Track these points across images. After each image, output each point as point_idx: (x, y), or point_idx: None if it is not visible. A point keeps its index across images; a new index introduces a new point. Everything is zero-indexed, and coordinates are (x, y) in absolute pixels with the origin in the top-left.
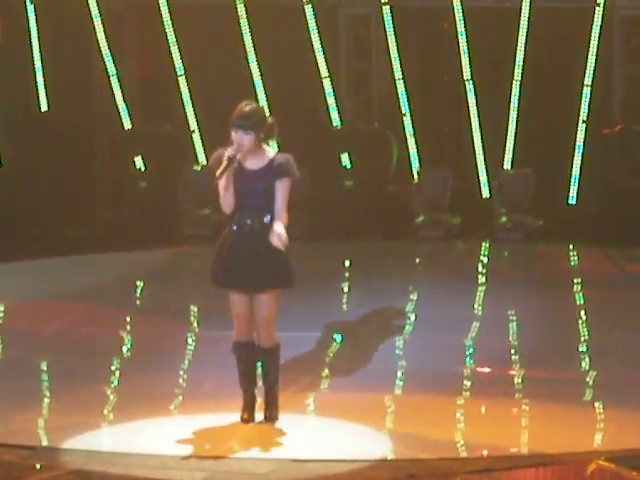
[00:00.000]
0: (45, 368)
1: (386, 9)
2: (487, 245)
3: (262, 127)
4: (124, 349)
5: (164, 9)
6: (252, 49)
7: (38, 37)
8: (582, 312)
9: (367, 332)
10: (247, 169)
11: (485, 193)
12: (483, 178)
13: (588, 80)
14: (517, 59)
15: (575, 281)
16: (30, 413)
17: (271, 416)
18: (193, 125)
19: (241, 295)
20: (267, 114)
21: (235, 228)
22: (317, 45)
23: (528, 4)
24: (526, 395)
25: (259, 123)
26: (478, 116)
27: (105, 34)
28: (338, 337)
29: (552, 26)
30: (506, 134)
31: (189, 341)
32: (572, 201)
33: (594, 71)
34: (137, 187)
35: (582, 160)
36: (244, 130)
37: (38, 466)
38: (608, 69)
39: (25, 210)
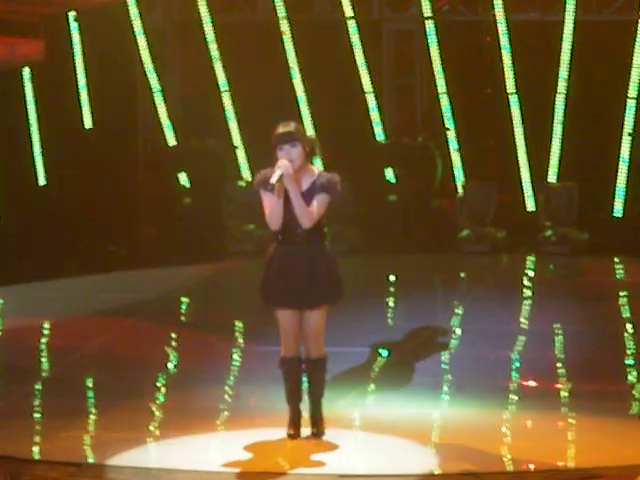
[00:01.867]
0: (90, 384)
1: (429, 23)
2: (532, 259)
3: (306, 141)
4: (169, 365)
5: (207, 25)
6: (295, 64)
7: (82, 54)
8: (629, 325)
9: (413, 346)
10: (280, 164)
11: (530, 206)
12: (528, 191)
13: (633, 92)
14: (561, 72)
15: (621, 294)
16: (75, 430)
17: (317, 431)
18: (237, 141)
19: (291, 310)
20: (306, 131)
21: (285, 247)
22: (360, 60)
23: (572, 17)
24: (572, 409)
25: (303, 136)
26: (523, 129)
27: (149, 50)
28: (384, 352)
29: (596, 39)
30: (551, 147)
31: (234, 356)
32: (618, 214)
33: (639, 83)
34: (181, 203)
35: (627, 172)
36: (291, 143)
37: None
38: None
39: (70, 227)
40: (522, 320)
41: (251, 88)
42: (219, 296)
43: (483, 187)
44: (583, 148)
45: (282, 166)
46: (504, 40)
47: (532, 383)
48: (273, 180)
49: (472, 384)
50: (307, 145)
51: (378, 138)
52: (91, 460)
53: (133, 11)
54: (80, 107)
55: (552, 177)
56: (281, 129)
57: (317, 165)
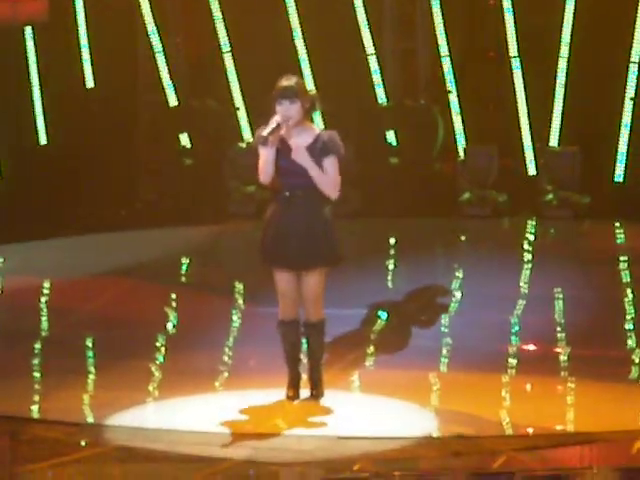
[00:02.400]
0: (90, 345)
1: None
2: (533, 223)
3: (306, 97)
4: (169, 325)
5: None
6: (298, 26)
7: (84, 14)
8: (628, 290)
9: (412, 309)
10: (292, 147)
11: (531, 170)
12: (529, 155)
13: (635, 57)
14: (563, 36)
15: (621, 259)
16: (75, 390)
17: (317, 393)
18: (238, 102)
19: (288, 273)
20: (307, 87)
21: (282, 205)
22: (362, 22)
23: None
24: (572, 373)
25: (302, 92)
26: (524, 93)
27: (151, 10)
28: (383, 314)
29: (599, 3)
30: (552, 111)
31: (234, 317)
32: (619, 178)
33: None
34: (182, 164)
35: (629, 137)
36: (290, 99)
37: (83, 443)
38: None
39: (70, 187)
40: (522, 284)
41: (253, 49)
42: (219, 257)
43: (484, 150)
44: (585, 112)
45: (276, 119)
46: (507, 3)
47: (532, 347)
48: (265, 132)
49: (471, 347)
50: (307, 102)
51: (380, 101)
52: (90, 420)
53: None
54: (82, 67)
55: (554, 141)
56: (282, 83)
57: (317, 120)
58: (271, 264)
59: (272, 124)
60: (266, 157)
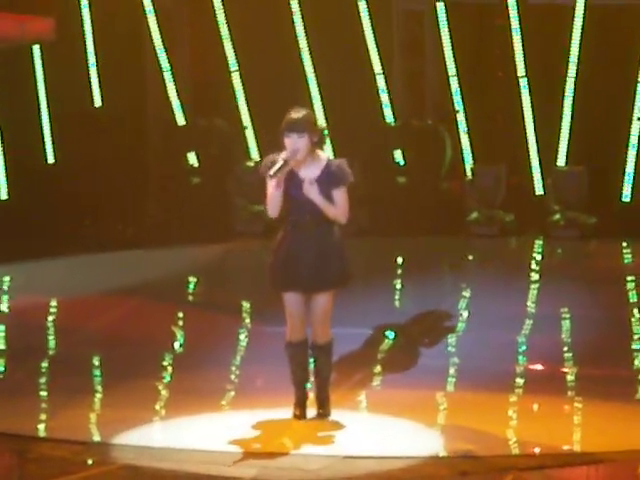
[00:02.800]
0: (97, 363)
1: (440, 5)
2: (540, 242)
3: (314, 131)
4: (176, 344)
5: (217, 5)
6: (305, 45)
7: (92, 33)
8: (635, 310)
9: (419, 329)
10: (302, 178)
11: (539, 190)
12: (537, 175)
13: None
14: (571, 56)
15: (629, 278)
16: (82, 408)
17: (323, 412)
18: (246, 121)
19: (297, 295)
20: (318, 121)
21: (292, 229)
22: (370, 41)
23: (583, 0)
24: (579, 393)
25: (311, 126)
26: (532, 113)
27: (159, 29)
28: (391, 334)
29: (606, 22)
30: (560, 131)
31: (241, 337)
32: (626, 198)
33: None
34: (190, 183)
35: (636, 157)
36: (298, 133)
37: (90, 461)
38: None
39: (78, 205)
40: (529, 304)
41: (261, 68)
42: (226, 276)
43: (492, 170)
44: (592, 132)
45: (282, 157)
46: (515, 23)
47: (539, 367)
48: (272, 172)
49: (479, 367)
50: (315, 135)
51: (388, 120)
52: (97, 438)
53: None
54: (90, 86)
55: (561, 161)
56: (291, 116)
57: (327, 151)
58: (282, 288)
59: (279, 162)
60: (271, 196)
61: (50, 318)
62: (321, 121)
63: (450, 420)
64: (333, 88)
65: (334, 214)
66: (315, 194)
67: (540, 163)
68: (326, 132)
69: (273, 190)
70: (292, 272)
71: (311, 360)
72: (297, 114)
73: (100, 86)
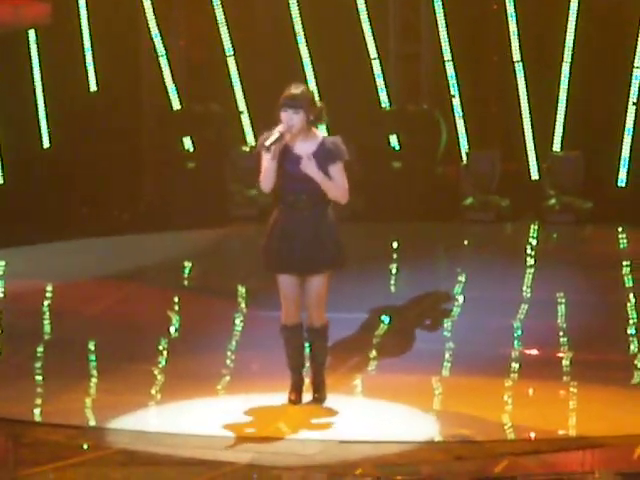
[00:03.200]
0: (92, 348)
1: None
2: (536, 227)
3: (311, 108)
4: (171, 329)
5: None
6: (301, 30)
7: (87, 18)
8: (631, 295)
9: (415, 313)
10: (297, 154)
11: (534, 175)
12: (532, 160)
13: (638, 62)
14: (567, 40)
15: (624, 264)
16: (77, 393)
17: (319, 397)
18: (241, 106)
19: (292, 277)
20: (316, 98)
21: (287, 210)
22: (366, 26)
23: None
24: (574, 378)
25: (308, 104)
26: (527, 97)
27: (154, 14)
28: (386, 319)
29: (602, 7)
30: (555, 116)
31: (237, 321)
32: (622, 183)
33: None
34: (185, 168)
35: (632, 142)
36: (294, 109)
37: (85, 446)
38: None
39: (73, 190)
40: (525, 288)
41: (256, 53)
42: (222, 261)
43: (487, 155)
44: (588, 117)
45: (278, 129)
46: (510, 7)
47: (534, 351)
48: (267, 143)
49: (474, 352)
50: (312, 112)
51: (383, 105)
52: (92, 423)
53: None
54: (85, 70)
55: (557, 146)
56: (289, 91)
57: (321, 130)
58: (276, 269)
59: (275, 134)
60: (268, 166)
61: (46, 303)
62: (320, 100)
63: (445, 405)
64: (329, 72)
65: (335, 192)
66: (313, 169)
67: (535, 148)
68: (324, 111)
69: (268, 163)
70: (286, 253)
71: (307, 344)
72: (295, 90)
73: (95, 71)
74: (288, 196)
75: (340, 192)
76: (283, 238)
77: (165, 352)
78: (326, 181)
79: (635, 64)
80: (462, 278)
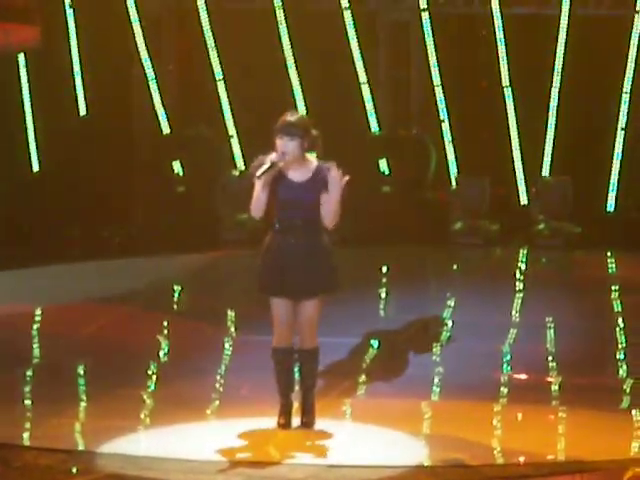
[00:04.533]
0: (82, 372)
1: (425, 15)
2: (525, 252)
3: (307, 136)
4: (161, 353)
5: (203, 14)
6: (291, 54)
7: (77, 41)
8: (620, 319)
9: (404, 338)
10: (292, 181)
11: (523, 200)
12: (521, 185)
13: (627, 87)
14: (556, 66)
15: (613, 288)
16: (67, 417)
17: (308, 421)
18: (231, 130)
19: (285, 300)
20: (312, 127)
21: (281, 235)
22: (356, 51)
23: (567, 12)
24: (563, 402)
25: (304, 132)
26: (517, 123)
27: (144, 38)
28: (375, 343)
29: (591, 33)
30: (544, 141)
31: (226, 345)
32: (610, 208)
33: (633, 78)
34: (175, 191)
35: (620, 167)
36: (290, 136)
37: (75, 470)
38: None
39: (63, 213)
40: (514, 313)
41: (246, 77)
42: (212, 285)
43: (477, 180)
44: (577, 142)
45: (271, 159)
46: (500, 33)
47: (523, 376)
48: (259, 173)
49: (463, 376)
50: (307, 140)
51: (373, 129)
52: (81, 447)
53: None
54: (75, 94)
55: (546, 171)
56: (286, 118)
57: (313, 156)
58: (270, 293)
59: (266, 164)
60: (257, 196)
61: (36, 326)
62: (315, 128)
63: (435, 429)
64: (318, 97)
65: (334, 215)
66: (340, 184)
67: (524, 173)
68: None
69: (259, 191)
70: (280, 277)
71: (296, 368)
72: (292, 117)
73: (85, 95)
74: (282, 222)
75: (335, 219)
76: (277, 262)
77: (155, 376)
78: (337, 200)
79: (624, 89)
80: (451, 302)
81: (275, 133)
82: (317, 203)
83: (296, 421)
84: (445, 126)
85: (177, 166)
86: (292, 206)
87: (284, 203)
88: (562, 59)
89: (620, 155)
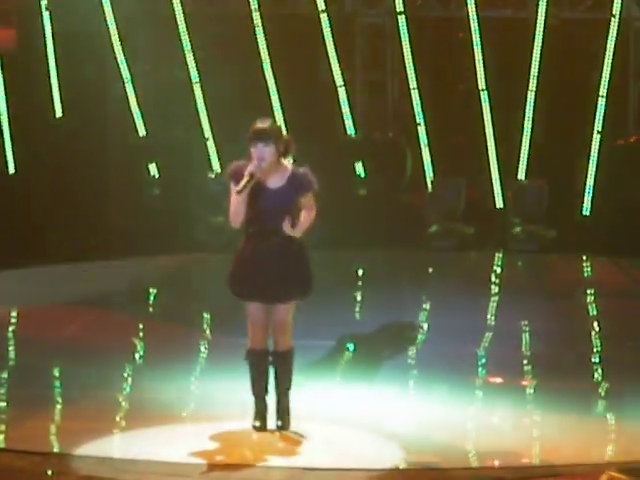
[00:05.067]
0: (57, 374)
1: (401, 18)
2: (500, 255)
3: (280, 140)
4: (136, 356)
5: (179, 16)
6: (267, 57)
7: (53, 43)
8: (595, 323)
9: (379, 341)
10: (268, 187)
11: (499, 203)
12: (497, 188)
13: (603, 91)
14: (532, 69)
15: (588, 292)
16: (42, 419)
17: (283, 424)
18: (207, 132)
19: (259, 304)
20: (283, 131)
21: (256, 239)
22: (332, 54)
23: (544, 15)
24: (538, 406)
25: (277, 136)
26: (492, 126)
27: (120, 40)
28: (351, 346)
29: (567, 37)
30: (520, 144)
31: (201, 348)
32: (586, 212)
33: (609, 82)
34: (151, 194)
35: (596, 171)
36: (264, 142)
37: (50, 472)
38: (624, 80)
39: (38, 216)
40: (489, 316)
41: (222, 80)
42: (187, 287)
43: (452, 183)
44: (552, 146)
45: (248, 172)
46: (476, 36)
47: (498, 379)
48: (239, 188)
49: (438, 380)
50: (281, 145)
51: (348, 132)
52: (57, 450)
53: (105, 0)
54: (51, 96)
55: (521, 174)
56: (257, 125)
57: (288, 160)
58: (245, 297)
59: (245, 178)
60: (236, 207)
61: (11, 328)
62: (284, 131)
63: (410, 432)
64: (294, 100)
65: (310, 221)
66: (295, 231)
67: (500, 176)
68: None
69: (238, 202)
70: (254, 282)
71: (271, 371)
72: (263, 124)
73: (61, 97)
74: (257, 227)
75: (310, 223)
76: (251, 266)
77: (130, 379)
78: (307, 221)
79: (600, 93)
80: (426, 306)
81: (248, 142)
82: (292, 208)
83: (271, 423)
84: (421, 129)
85: (153, 168)
86: (268, 211)
87: (260, 209)
88: (538, 62)
89: (596, 159)
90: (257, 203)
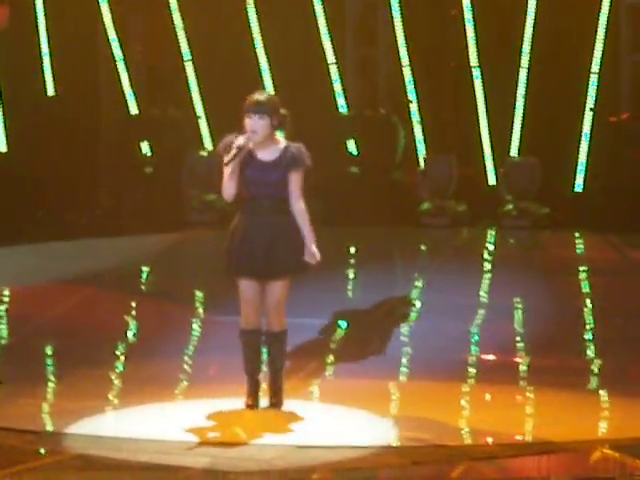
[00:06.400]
0: (49, 352)
1: None
2: (493, 232)
3: (276, 115)
4: (128, 334)
5: None
6: (259, 35)
7: (45, 22)
8: (587, 299)
9: (372, 319)
10: (260, 160)
11: (491, 180)
12: (489, 165)
13: (595, 68)
14: (524, 46)
15: (580, 268)
16: (34, 397)
17: (276, 402)
18: (199, 111)
19: (253, 282)
20: (281, 106)
21: (249, 215)
22: (324, 31)
23: None
24: (531, 383)
25: (273, 110)
26: (485, 103)
27: (112, 18)
28: (343, 324)
29: (559, 14)
30: (513, 121)
31: (194, 326)
32: (578, 189)
33: (601, 59)
34: (143, 172)
35: (588, 148)
36: (259, 115)
37: (42, 451)
38: (615, 57)
39: (30, 194)
40: (482, 294)
41: (214, 58)
42: (179, 266)
43: (444, 160)
44: (545, 123)
45: (238, 144)
46: (468, 13)
47: (491, 356)
48: (226, 160)
49: (431, 357)
50: (276, 119)
51: (340, 109)
52: (49, 428)
53: None
54: (43, 74)
55: (514, 151)
56: (254, 97)
57: (281, 136)
58: (237, 274)
59: (233, 150)
60: (227, 179)
61: (2, 307)
62: (283, 107)
63: (403, 409)
64: (286, 77)
65: (306, 216)
66: (312, 257)
67: (493, 153)
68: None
69: (228, 175)
70: (247, 258)
71: (264, 349)
72: (261, 96)
73: (53, 75)
74: (250, 201)
75: (307, 217)
76: (244, 243)
77: (122, 357)
78: (310, 227)
79: (592, 70)
80: (419, 283)
81: (244, 112)
82: (285, 182)
83: (264, 402)
84: (413, 106)
85: (145, 147)
86: (260, 186)
87: (252, 183)
88: (530, 40)
89: (588, 135)
90: (249, 176)
